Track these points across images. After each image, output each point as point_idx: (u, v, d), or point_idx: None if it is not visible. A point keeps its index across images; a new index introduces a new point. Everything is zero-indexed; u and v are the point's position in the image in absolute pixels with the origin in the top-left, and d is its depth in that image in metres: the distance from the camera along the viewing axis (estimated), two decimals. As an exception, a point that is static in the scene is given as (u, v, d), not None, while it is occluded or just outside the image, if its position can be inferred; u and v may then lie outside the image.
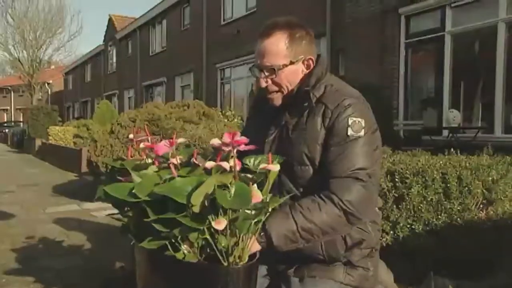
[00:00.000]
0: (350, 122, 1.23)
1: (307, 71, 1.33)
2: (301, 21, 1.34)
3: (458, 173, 2.38)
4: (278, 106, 1.36)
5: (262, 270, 1.34)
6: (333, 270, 1.28)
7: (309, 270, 1.29)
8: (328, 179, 1.22)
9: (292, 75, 1.32)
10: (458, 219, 2.30)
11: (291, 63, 1.29)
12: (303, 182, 1.28)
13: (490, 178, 2.44)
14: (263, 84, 1.31)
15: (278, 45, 1.28)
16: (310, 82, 1.31)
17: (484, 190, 2.41)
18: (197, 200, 0.92)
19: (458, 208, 2.32)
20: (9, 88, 40.78)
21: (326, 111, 1.26)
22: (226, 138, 1.05)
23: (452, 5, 6.72)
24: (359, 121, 1.24)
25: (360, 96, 1.32)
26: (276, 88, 1.32)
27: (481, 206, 2.41)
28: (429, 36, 7.18)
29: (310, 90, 1.29)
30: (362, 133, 1.23)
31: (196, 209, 0.93)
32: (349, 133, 1.23)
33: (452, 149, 2.96)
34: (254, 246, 1.11)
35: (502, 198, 2.44)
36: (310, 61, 1.33)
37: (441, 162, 2.52)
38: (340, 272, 1.28)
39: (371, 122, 1.28)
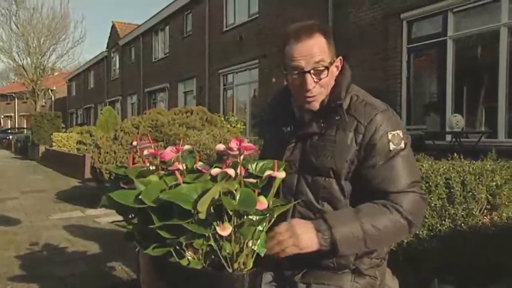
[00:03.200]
0: (390, 136, 1.22)
1: (337, 71, 1.31)
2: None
3: (461, 178, 2.38)
4: (301, 114, 1.33)
5: (268, 276, 1.34)
6: (340, 278, 1.27)
7: (316, 276, 1.28)
8: (388, 195, 1.20)
9: (331, 76, 1.28)
10: (462, 224, 2.29)
11: (332, 63, 1.26)
12: (324, 193, 1.27)
13: (494, 183, 2.43)
14: (311, 85, 1.23)
15: (320, 45, 1.24)
16: (341, 94, 1.27)
17: (488, 195, 2.40)
18: (203, 207, 0.92)
19: (462, 213, 2.31)
20: (13, 95, 40.97)
21: (358, 127, 1.24)
22: (234, 144, 1.06)
23: (454, 10, 6.73)
24: (397, 134, 1.23)
25: (388, 107, 1.30)
26: (319, 90, 1.27)
27: (485, 211, 2.40)
28: (431, 41, 7.18)
29: (344, 102, 1.27)
30: (402, 145, 1.22)
31: (202, 215, 0.93)
32: (391, 148, 1.21)
33: (455, 154, 2.95)
34: (311, 244, 1.11)
35: (506, 203, 2.42)
36: (339, 62, 1.30)
37: (444, 167, 2.51)
38: (347, 279, 1.28)
39: (404, 131, 1.27)
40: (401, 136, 1.23)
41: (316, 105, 1.29)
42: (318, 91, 1.26)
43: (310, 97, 1.27)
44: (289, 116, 1.37)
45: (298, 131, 1.32)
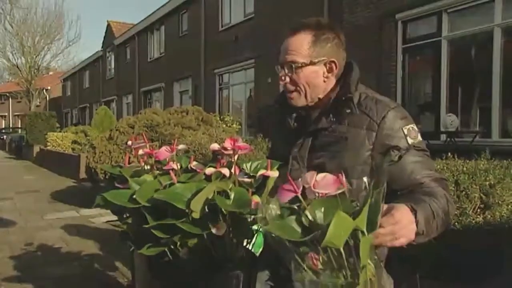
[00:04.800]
0: (405, 131, 1.22)
1: (329, 74, 1.30)
2: (334, 24, 1.32)
3: (455, 177, 2.40)
4: (307, 113, 1.34)
5: (264, 275, 1.34)
6: None
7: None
8: (419, 184, 1.16)
9: (312, 76, 1.28)
10: (456, 223, 2.31)
11: (312, 63, 1.26)
12: None
13: (488, 183, 2.45)
14: (281, 81, 1.29)
15: (300, 44, 1.26)
16: (351, 88, 1.27)
17: (481, 195, 2.42)
18: (197, 206, 0.93)
19: (456, 212, 2.32)
20: (7, 94, 40.67)
21: (371, 124, 1.23)
22: (228, 144, 1.06)
23: (449, 10, 6.77)
24: (412, 127, 1.23)
25: (397, 103, 1.30)
26: (293, 87, 1.29)
27: (478, 210, 2.42)
28: (426, 41, 7.21)
29: (353, 98, 1.26)
30: (419, 137, 1.23)
31: (196, 215, 0.94)
32: (409, 142, 1.21)
33: (449, 154, 2.97)
34: (413, 234, 0.96)
35: (499, 202, 2.44)
36: (333, 64, 1.29)
37: (438, 166, 2.53)
38: None
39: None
40: (416, 129, 1.24)
41: (293, 102, 1.31)
42: (290, 87, 1.29)
43: (286, 91, 1.31)
44: (296, 113, 1.37)
45: (306, 127, 1.31)
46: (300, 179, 1.03)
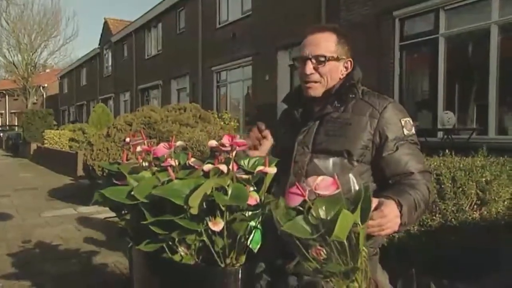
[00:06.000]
0: (403, 122, 1.34)
1: (345, 71, 1.42)
2: (347, 32, 1.45)
3: (452, 174, 2.41)
4: (312, 104, 1.42)
5: (260, 266, 1.35)
6: None
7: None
8: (409, 174, 1.29)
9: (335, 70, 1.40)
10: (453, 219, 2.32)
11: (337, 58, 1.38)
12: (335, 170, 1.32)
13: (484, 179, 2.46)
14: (309, 71, 1.37)
15: (328, 41, 1.38)
16: (355, 77, 1.40)
17: (478, 191, 2.43)
18: (195, 202, 0.93)
19: (453, 209, 2.34)
20: (4, 92, 40.45)
21: (373, 112, 1.34)
22: (226, 141, 1.07)
23: (446, 7, 6.78)
24: (408, 121, 1.36)
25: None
26: (318, 78, 1.39)
27: (475, 206, 2.43)
28: (423, 38, 7.22)
29: (356, 84, 1.38)
30: (413, 130, 1.36)
31: (194, 211, 0.94)
32: (405, 133, 1.33)
33: (446, 150, 2.98)
34: (395, 226, 1.10)
35: (495, 198, 2.46)
36: (349, 63, 1.42)
37: (435, 163, 2.54)
38: None
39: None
40: (412, 123, 1.37)
41: (312, 92, 1.40)
42: (316, 78, 1.38)
43: (308, 82, 1.39)
44: (302, 106, 1.47)
45: (312, 115, 1.41)
46: (303, 180, 1.09)
